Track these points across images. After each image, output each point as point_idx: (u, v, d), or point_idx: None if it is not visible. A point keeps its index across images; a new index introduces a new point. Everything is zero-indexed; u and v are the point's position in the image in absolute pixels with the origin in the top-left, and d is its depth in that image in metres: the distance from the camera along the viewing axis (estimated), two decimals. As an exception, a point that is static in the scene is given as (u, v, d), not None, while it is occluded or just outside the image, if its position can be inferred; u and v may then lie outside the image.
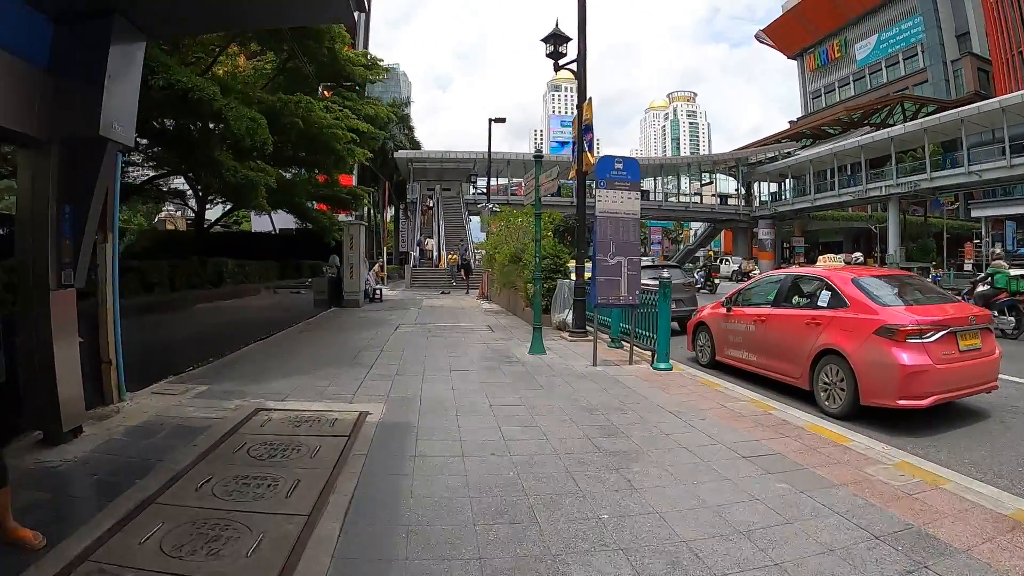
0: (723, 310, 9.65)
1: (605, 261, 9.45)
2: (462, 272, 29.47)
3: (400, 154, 44.56)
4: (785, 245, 55.36)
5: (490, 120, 30.14)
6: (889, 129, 43.99)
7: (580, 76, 12.75)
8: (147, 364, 7.81)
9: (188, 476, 4.64)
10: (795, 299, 8.32)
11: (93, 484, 4.60)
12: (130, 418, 6.18)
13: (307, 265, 18.02)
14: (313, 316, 16.43)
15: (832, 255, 9.95)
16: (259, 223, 26.33)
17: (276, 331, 12.94)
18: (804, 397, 7.44)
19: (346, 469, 4.84)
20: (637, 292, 9.71)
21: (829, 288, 7.50)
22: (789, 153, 54.96)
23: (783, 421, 6.42)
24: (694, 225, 72.46)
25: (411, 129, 51.88)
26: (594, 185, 9.63)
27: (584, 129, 12.71)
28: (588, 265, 13.37)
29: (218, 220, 19.15)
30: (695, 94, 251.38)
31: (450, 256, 33.58)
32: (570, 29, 12.63)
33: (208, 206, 20.21)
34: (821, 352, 7.20)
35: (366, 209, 57.05)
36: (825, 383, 7.12)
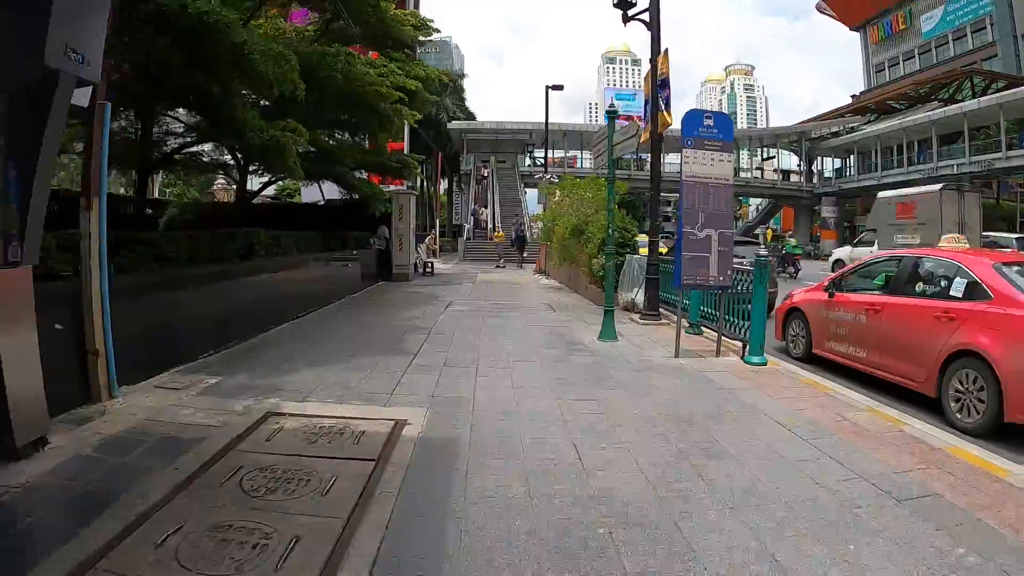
0: (823, 295, 8.10)
1: (693, 234, 7.82)
2: (516, 246, 27.98)
3: (453, 124, 43.00)
4: (847, 224, 51.94)
5: (547, 87, 28.38)
6: (962, 104, 40.62)
7: (653, 25, 10.92)
8: (154, 351, 6.68)
9: (153, 521, 3.33)
10: (919, 286, 6.71)
11: (16, 535, 3.30)
12: (112, 423, 4.92)
13: (353, 237, 16.83)
14: (358, 291, 15.21)
15: (956, 235, 8.18)
16: (309, 195, 25.32)
17: (314, 309, 11.72)
18: (925, 403, 6.08)
19: (368, 517, 3.43)
20: (729, 272, 8.05)
21: (965, 275, 6.03)
22: (853, 128, 51.22)
23: (915, 439, 4.96)
24: (753, 201, 69.04)
25: (463, 100, 50.41)
26: (681, 144, 7.93)
27: (660, 85, 10.99)
28: (661, 240, 11.82)
29: (260, 190, 18.02)
30: (752, 67, 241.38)
31: (497, 234, 32.17)
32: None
33: (252, 176, 19.29)
34: (955, 353, 5.78)
35: (418, 180, 56.25)
36: (958, 391, 5.69)
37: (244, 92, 9.25)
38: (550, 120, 31.88)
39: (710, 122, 8.00)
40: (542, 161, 34.80)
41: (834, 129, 52.79)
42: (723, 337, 8.52)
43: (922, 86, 50.90)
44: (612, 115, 9.39)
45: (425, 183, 55.23)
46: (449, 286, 17.37)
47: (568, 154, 50.38)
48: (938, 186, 21.52)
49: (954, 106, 41.26)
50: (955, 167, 39.62)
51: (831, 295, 7.91)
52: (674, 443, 4.69)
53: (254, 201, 22.97)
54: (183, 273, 7.87)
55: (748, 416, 5.45)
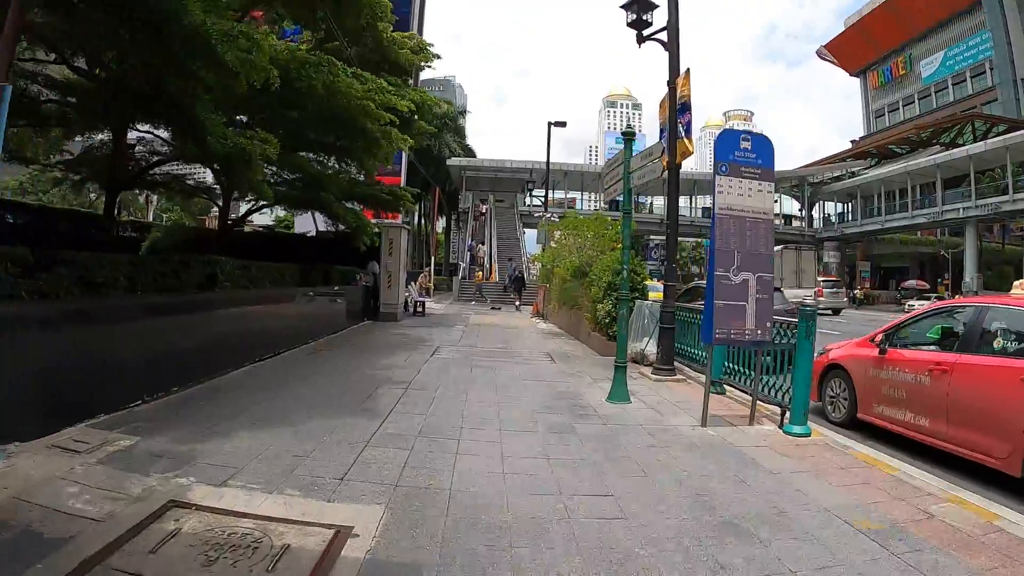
0: (872, 351, 6.83)
1: (727, 279, 6.44)
2: (514, 287, 26.63)
3: (453, 161, 42.12)
4: (847, 269, 50.86)
5: (549, 123, 27.29)
6: (968, 147, 40.22)
7: (672, 43, 9.73)
8: (69, 398, 5.32)
9: None
10: (997, 343, 5.47)
11: None
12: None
13: (339, 271, 15.51)
14: (340, 331, 13.79)
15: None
16: (302, 225, 24.05)
17: (285, 350, 10.32)
18: (1007, 484, 5.00)
19: None
20: (768, 324, 6.67)
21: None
22: (855, 172, 50.79)
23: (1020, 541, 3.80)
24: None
25: (464, 138, 49.66)
26: (714, 171, 6.62)
27: (680, 109, 9.76)
28: (683, 287, 10.49)
29: (244, 216, 16.79)
30: (751, 113, 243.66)
31: (477, 275, 31.00)
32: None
33: (238, 204, 18.04)
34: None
35: (416, 217, 55.08)
36: (1053, 472, 4.65)
37: (211, 98, 7.94)
38: (551, 161, 30.72)
39: (747, 145, 6.68)
40: (542, 200, 33.61)
41: (836, 173, 52.32)
42: (750, 397, 7.14)
43: (924, 130, 50.39)
44: (629, 137, 8.07)
45: (423, 221, 54.36)
46: (439, 328, 15.96)
47: (568, 195, 49.47)
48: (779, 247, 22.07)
49: (959, 149, 40.85)
50: (960, 210, 39.12)
51: (883, 351, 6.63)
52: (729, 574, 3.26)
53: (245, 230, 21.92)
54: (121, 303, 6.50)
55: (814, 522, 4.01)
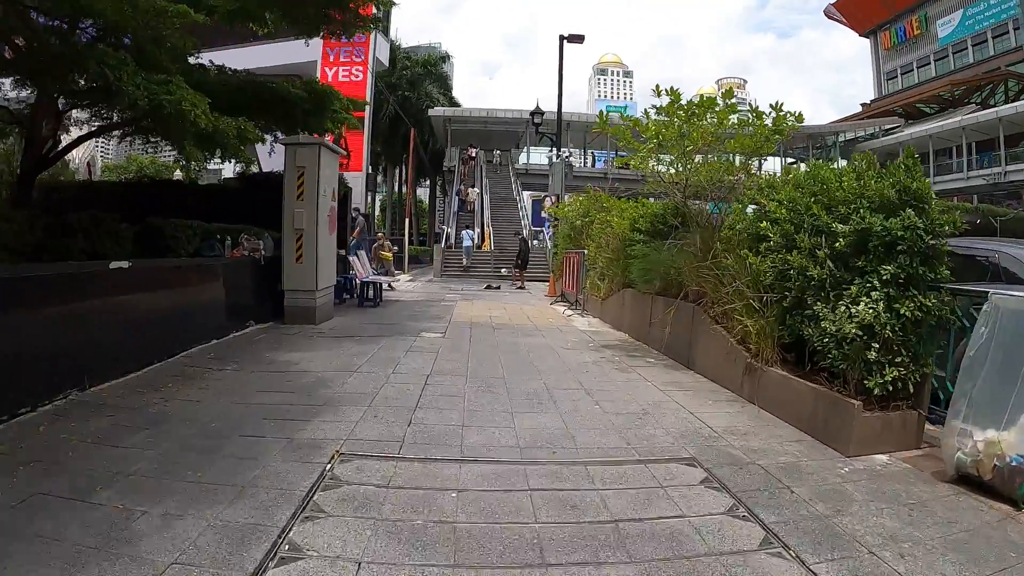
0: None
1: None
2: (518, 259, 18.61)
3: (436, 111, 33.59)
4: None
5: (561, 37, 19.04)
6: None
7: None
8: None
9: None
10: None
11: None
12: None
13: (195, 229, 7.56)
14: (190, 348, 6.11)
15: None
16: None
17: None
18: None
19: None
20: None
21: None
22: (887, 130, 42.92)
23: None
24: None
25: (450, 89, 41.03)
26: None
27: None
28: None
29: (71, 147, 8.73)
30: (745, 81, 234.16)
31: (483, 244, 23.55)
32: None
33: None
34: None
35: (396, 184, 46.25)
36: None
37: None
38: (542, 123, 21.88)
39: None
40: (551, 148, 25.09)
41: (870, 130, 44.57)
42: None
43: (957, 87, 43.94)
44: None
45: (396, 184, 45.58)
46: (391, 337, 7.96)
47: (570, 152, 41.04)
48: None
49: (1026, 103, 33.52)
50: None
51: None
52: None
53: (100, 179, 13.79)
54: None
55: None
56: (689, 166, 6.81)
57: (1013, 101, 36.40)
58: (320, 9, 8.79)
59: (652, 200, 8.68)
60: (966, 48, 56.49)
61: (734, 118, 6.35)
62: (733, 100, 6.48)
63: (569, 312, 11.37)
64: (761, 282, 4.74)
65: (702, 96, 7.12)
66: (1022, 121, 32.26)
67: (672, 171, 7.04)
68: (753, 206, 5.56)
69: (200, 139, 6.66)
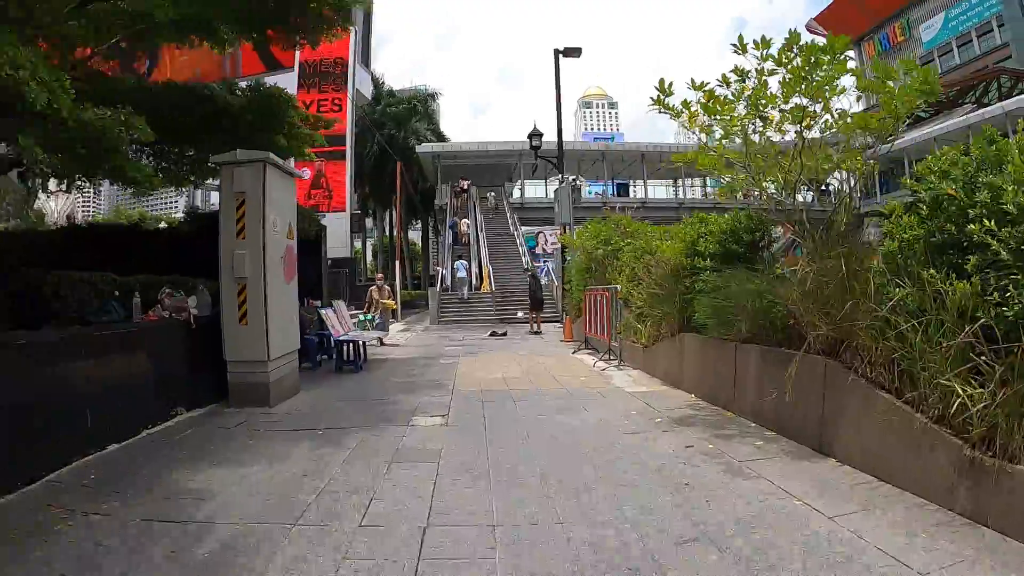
0: None
1: None
2: (530, 299, 16.42)
3: (423, 148, 31.81)
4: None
5: (556, 51, 17.30)
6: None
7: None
8: None
9: None
10: None
11: None
12: None
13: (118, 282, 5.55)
14: (56, 471, 3.74)
15: None
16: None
17: None
18: None
19: None
20: None
21: None
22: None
23: None
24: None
25: (437, 125, 39.35)
26: None
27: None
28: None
29: None
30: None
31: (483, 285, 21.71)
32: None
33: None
34: None
35: (387, 227, 43.82)
36: None
37: None
38: (539, 144, 19.62)
39: None
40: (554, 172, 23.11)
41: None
42: None
43: (950, 89, 42.10)
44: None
45: (393, 231, 43.33)
46: (371, 431, 5.62)
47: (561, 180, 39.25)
48: None
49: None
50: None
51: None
52: None
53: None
54: None
55: None
56: (808, 135, 4.68)
57: (1007, 97, 35.38)
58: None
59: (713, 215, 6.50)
60: (951, 50, 55.82)
61: (847, 80, 4.35)
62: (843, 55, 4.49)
63: (601, 364, 9.07)
64: (976, 320, 2.69)
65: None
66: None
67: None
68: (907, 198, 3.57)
69: (62, 139, 4.59)
